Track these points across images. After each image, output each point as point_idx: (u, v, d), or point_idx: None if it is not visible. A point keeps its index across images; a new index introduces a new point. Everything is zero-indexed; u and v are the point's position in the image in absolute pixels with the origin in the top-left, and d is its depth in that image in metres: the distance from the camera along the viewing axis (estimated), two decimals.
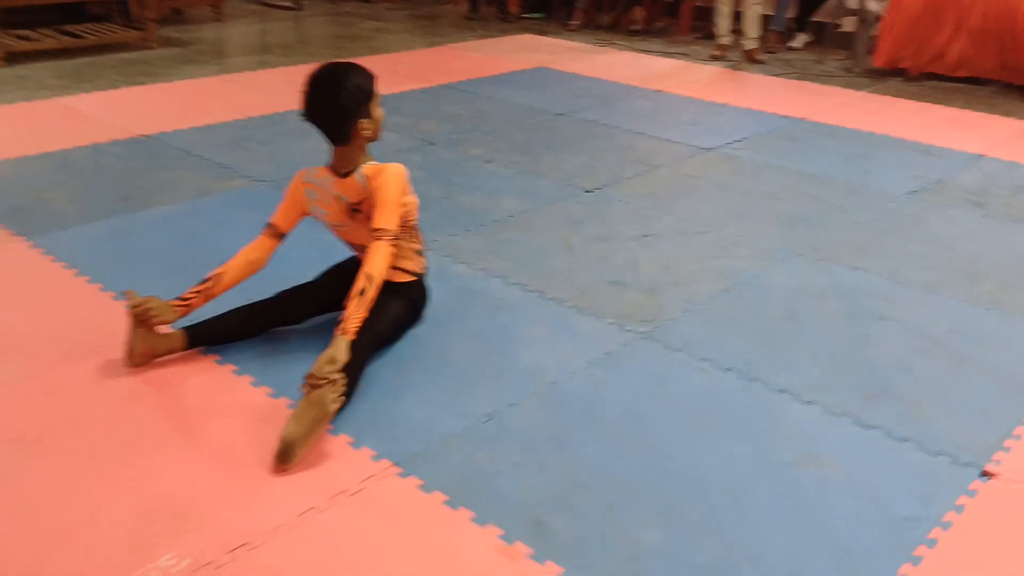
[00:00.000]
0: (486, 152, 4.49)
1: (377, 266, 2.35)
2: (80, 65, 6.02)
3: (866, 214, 3.84)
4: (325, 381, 2.13)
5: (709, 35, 7.25)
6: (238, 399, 2.38)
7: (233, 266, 2.53)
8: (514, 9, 8.81)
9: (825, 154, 4.64)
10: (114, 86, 5.50)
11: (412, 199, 2.58)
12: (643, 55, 7.05)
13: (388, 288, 2.58)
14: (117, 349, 2.51)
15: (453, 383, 2.48)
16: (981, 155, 4.68)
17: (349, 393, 2.30)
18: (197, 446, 2.18)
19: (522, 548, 1.89)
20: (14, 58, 5.99)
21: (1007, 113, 5.56)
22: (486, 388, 2.47)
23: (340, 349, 2.20)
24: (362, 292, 2.29)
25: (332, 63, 2.47)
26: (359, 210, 2.53)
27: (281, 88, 5.59)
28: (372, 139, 2.51)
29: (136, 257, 3.17)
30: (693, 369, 2.61)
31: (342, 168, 2.52)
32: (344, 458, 2.16)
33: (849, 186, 4.17)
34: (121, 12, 7.00)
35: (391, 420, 2.31)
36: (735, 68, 6.65)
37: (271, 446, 2.13)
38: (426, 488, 2.06)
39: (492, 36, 7.75)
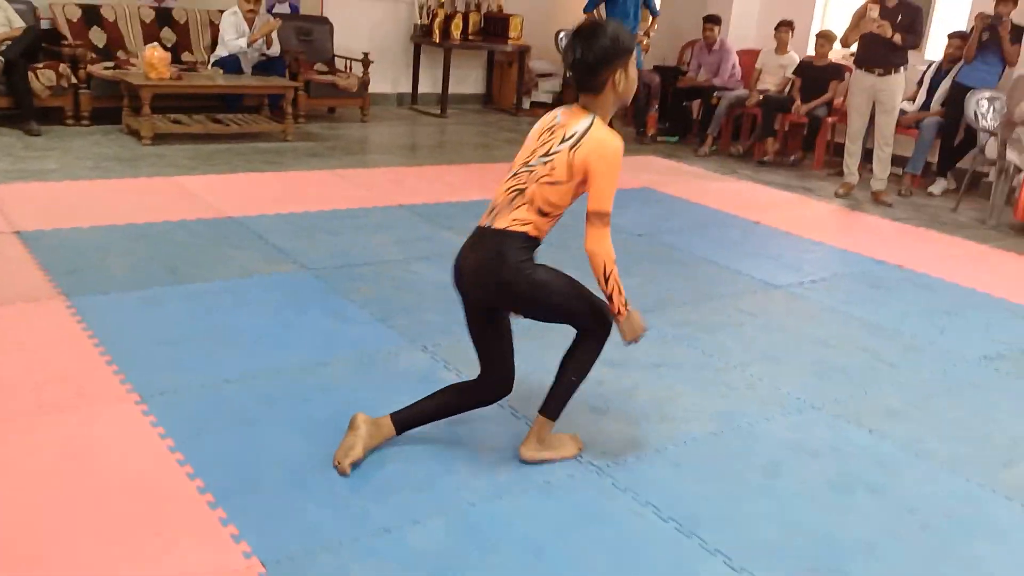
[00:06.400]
0: None
1: None
2: (216, 150, 6.54)
3: (918, 374, 3.48)
4: None
5: (842, 172, 6.98)
6: None
7: None
8: (650, 131, 8.86)
9: (905, 305, 4.27)
10: (233, 171, 5.93)
11: None
12: (762, 186, 6.86)
13: None
14: (83, 407, 2.62)
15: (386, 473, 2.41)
16: None
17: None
18: None
19: None
20: (161, 139, 6.60)
21: None
22: (403, 498, 2.37)
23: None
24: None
25: (597, 19, 2.47)
26: None
27: (380, 184, 5.85)
28: (622, 97, 2.45)
29: (148, 327, 3.31)
30: (631, 513, 2.41)
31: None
32: None
33: (914, 342, 3.81)
34: (272, 106, 7.61)
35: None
36: (853, 208, 6.33)
37: None
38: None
39: None
